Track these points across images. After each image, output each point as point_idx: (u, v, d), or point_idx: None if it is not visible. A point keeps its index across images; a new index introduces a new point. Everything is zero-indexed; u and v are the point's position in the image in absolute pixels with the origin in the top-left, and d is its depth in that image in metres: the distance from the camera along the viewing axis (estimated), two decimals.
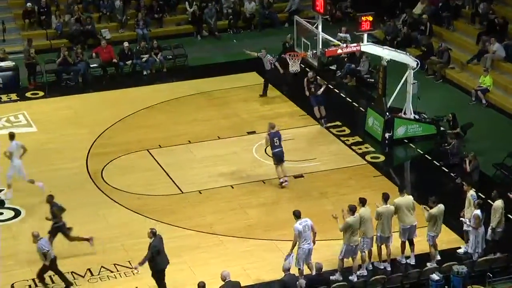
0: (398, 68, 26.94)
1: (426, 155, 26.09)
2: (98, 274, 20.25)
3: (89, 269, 20.36)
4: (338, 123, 28.11)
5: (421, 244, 20.50)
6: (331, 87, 30.52)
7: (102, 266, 20.48)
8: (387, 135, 26.50)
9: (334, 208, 21.71)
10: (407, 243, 20.47)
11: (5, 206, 23.21)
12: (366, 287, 19.35)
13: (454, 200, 21.77)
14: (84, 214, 22.65)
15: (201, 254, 21.02)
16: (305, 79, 28.04)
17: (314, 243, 19.53)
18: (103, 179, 24.74)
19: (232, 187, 24.27)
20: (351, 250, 19.69)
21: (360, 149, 26.49)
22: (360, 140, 27.08)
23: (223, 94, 30.50)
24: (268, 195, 23.88)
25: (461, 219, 20.72)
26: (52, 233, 20.50)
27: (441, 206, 20.10)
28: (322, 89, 27.75)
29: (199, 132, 27.58)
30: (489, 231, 20.53)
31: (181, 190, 24.15)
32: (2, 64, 31.43)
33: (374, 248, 20.23)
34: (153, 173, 25.15)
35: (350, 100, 30.20)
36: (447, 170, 25.01)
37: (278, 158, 24.00)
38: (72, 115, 29.04)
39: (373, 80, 30.48)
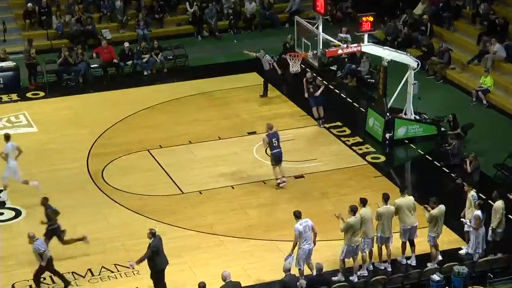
0: (399, 68, 26.93)
1: (427, 156, 26.06)
2: (99, 274, 20.24)
3: (89, 269, 20.35)
4: (338, 123, 28.08)
5: (422, 245, 20.49)
6: (332, 87, 30.54)
7: (102, 266, 20.47)
8: (387, 135, 26.49)
9: (335, 208, 21.71)
10: (407, 243, 20.47)
11: (5, 206, 23.20)
12: (367, 287, 19.36)
13: (454, 200, 21.75)
14: (84, 214, 22.67)
15: (201, 255, 21.02)
16: (304, 80, 28.03)
17: (314, 243, 19.51)
18: (103, 179, 24.72)
19: (233, 188, 24.26)
20: (352, 250, 19.67)
21: (361, 149, 26.47)
22: (361, 140, 27.06)
23: (224, 95, 30.48)
24: (268, 195, 23.87)
25: (461, 219, 20.71)
26: (47, 236, 20.40)
27: (442, 207, 20.08)
28: (320, 90, 27.71)
29: (200, 132, 27.57)
30: (490, 231, 20.52)
31: (181, 191, 24.14)
32: (3, 64, 31.40)
33: (375, 249, 20.23)
34: (153, 173, 25.14)
35: (351, 101, 30.18)
36: (447, 171, 24.99)
37: (277, 159, 23.98)
38: (73, 116, 29.03)
39: (373, 80, 30.44)
